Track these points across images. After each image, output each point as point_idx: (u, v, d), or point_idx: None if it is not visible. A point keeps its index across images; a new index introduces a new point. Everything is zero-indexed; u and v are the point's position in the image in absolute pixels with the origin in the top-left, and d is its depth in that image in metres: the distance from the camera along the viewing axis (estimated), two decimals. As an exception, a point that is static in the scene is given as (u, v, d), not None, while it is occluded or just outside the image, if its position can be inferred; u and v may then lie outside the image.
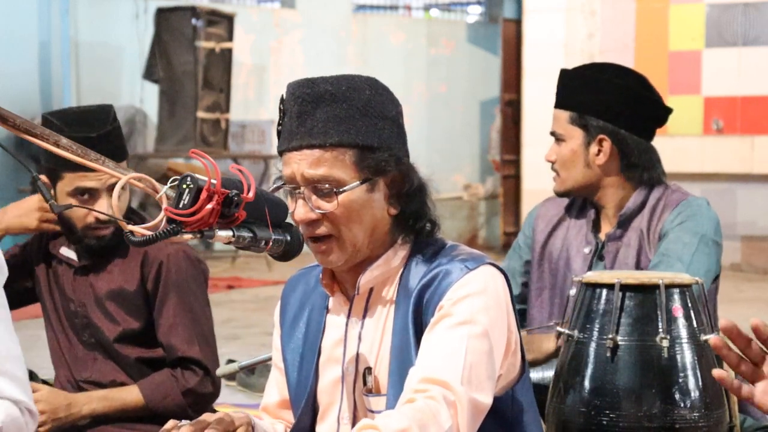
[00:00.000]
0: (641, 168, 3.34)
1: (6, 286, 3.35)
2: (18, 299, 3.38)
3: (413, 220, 2.30)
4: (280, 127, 2.27)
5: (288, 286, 2.51)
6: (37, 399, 3.07)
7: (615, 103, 3.30)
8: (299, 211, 2.24)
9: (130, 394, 3.23)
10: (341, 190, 2.21)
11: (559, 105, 3.36)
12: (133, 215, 3.27)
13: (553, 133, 3.38)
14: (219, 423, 2.16)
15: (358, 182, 2.22)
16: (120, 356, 3.28)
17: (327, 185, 2.21)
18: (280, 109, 2.28)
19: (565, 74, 3.38)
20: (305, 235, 2.26)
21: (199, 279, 3.32)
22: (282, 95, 2.28)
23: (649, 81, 3.37)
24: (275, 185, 2.28)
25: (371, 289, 2.34)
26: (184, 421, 2.16)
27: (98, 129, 3.11)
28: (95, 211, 3.14)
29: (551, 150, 3.38)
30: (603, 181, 3.34)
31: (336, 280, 2.38)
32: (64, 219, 3.23)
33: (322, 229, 2.24)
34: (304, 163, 2.22)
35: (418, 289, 2.26)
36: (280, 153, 2.28)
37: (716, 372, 2.04)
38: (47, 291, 3.36)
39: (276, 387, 2.51)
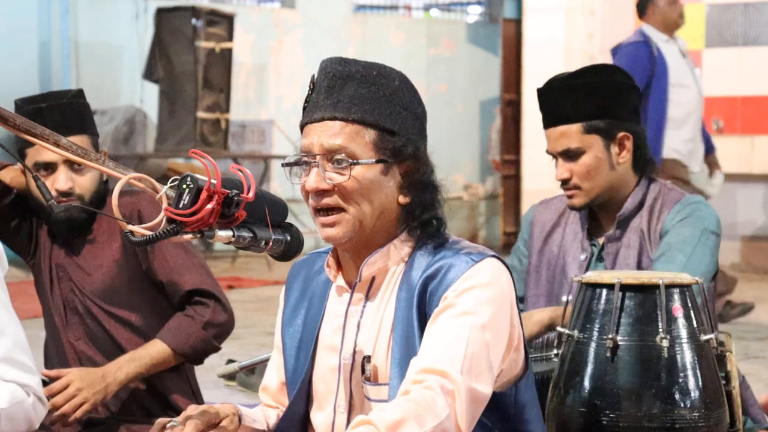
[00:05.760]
0: (647, 155, 3.36)
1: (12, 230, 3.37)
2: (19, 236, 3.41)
3: (421, 211, 2.31)
4: (306, 103, 2.31)
5: (293, 270, 2.53)
6: (71, 380, 3.11)
7: (617, 100, 3.30)
8: (311, 179, 2.26)
9: (155, 348, 3.23)
10: (356, 162, 2.24)
11: (564, 121, 3.29)
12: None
13: (565, 152, 3.29)
14: (202, 415, 2.21)
15: (373, 160, 2.25)
16: (106, 317, 3.30)
17: (342, 156, 2.24)
18: (309, 86, 2.32)
19: (554, 92, 3.31)
20: (312, 206, 2.28)
21: None
22: (314, 74, 2.33)
23: (623, 69, 3.39)
24: (291, 160, 2.29)
25: (372, 279, 2.34)
26: (173, 422, 2.19)
27: (50, 101, 3.12)
28: (96, 211, 3.15)
29: (562, 169, 3.31)
30: (622, 178, 3.33)
31: (340, 268, 2.39)
32: (33, 197, 3.26)
33: (329, 201, 2.26)
34: (324, 134, 2.25)
35: (422, 280, 2.27)
36: (302, 126, 2.31)
37: None
38: (41, 256, 3.39)
39: (276, 370, 2.52)
